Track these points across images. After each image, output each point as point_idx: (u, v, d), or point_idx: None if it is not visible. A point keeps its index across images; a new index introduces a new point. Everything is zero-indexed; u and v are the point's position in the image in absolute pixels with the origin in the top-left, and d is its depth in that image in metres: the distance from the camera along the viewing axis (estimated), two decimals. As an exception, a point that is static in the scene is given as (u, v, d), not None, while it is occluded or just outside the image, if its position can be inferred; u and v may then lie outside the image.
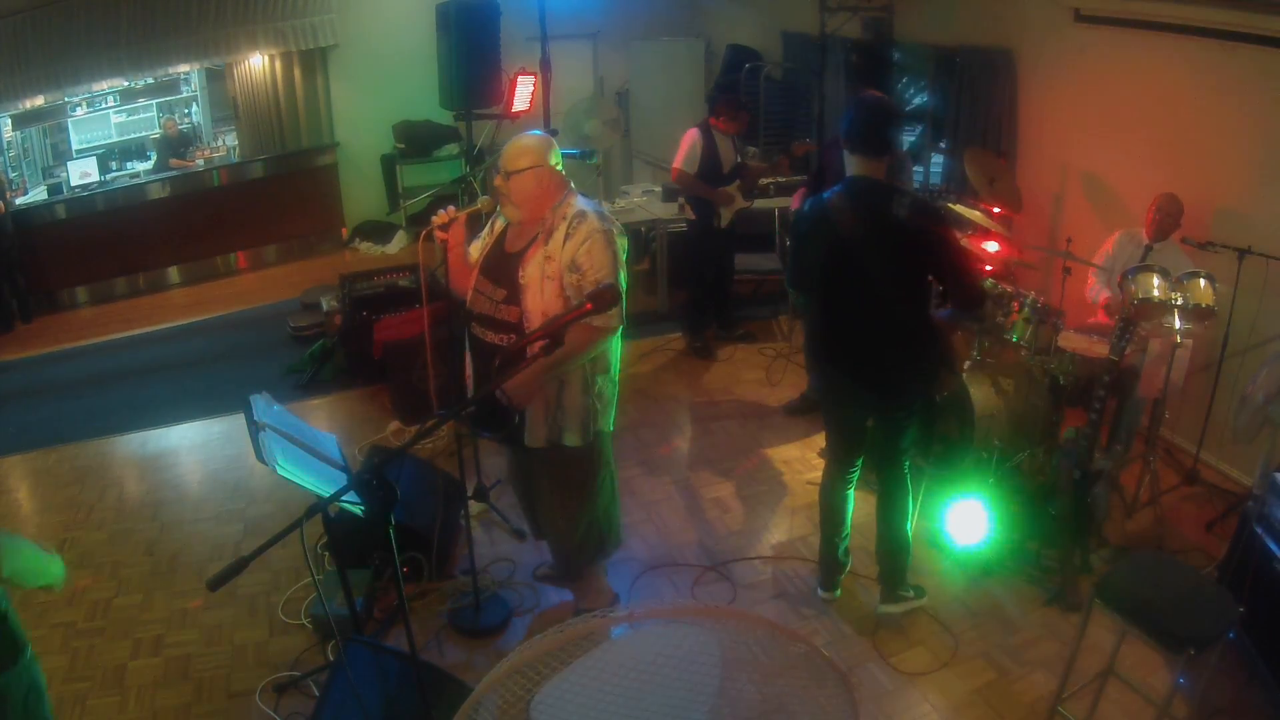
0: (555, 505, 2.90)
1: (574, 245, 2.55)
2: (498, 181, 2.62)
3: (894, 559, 3.13)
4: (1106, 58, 4.61)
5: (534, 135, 2.67)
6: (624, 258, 2.62)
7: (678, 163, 5.23)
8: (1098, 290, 4.23)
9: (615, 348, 2.78)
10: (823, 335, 3.05)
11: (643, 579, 3.43)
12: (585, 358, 2.64)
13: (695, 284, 5.59)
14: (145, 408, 5.10)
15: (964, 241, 4.06)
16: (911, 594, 3.18)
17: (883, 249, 2.73)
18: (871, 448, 3.12)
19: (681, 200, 6.18)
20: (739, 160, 5.34)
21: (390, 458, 2.27)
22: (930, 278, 2.84)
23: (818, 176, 4.26)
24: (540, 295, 2.57)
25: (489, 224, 2.85)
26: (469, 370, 2.85)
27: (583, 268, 2.54)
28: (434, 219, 2.67)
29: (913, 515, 3.17)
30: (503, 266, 2.67)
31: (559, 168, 2.66)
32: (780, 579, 3.46)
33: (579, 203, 2.66)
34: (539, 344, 2.13)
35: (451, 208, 2.70)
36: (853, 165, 2.81)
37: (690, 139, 5.20)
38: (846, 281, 2.83)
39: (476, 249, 2.84)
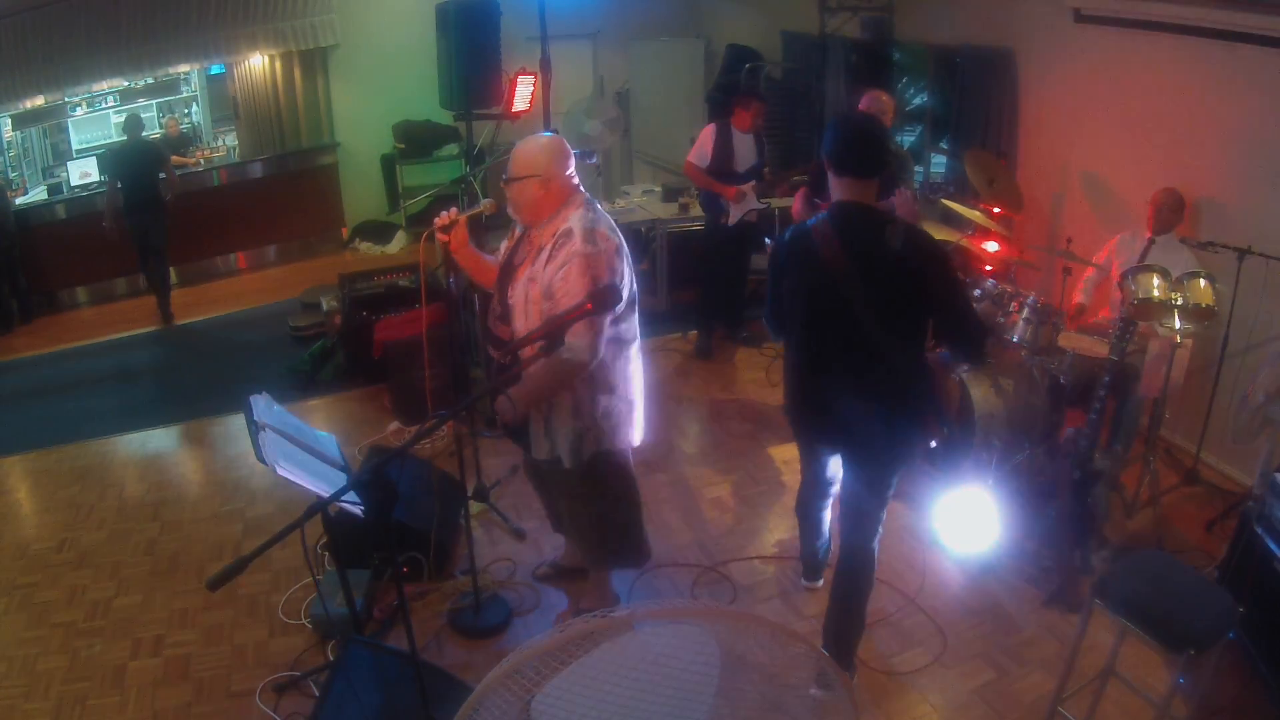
0: (569, 511, 2.94)
1: (553, 269, 2.43)
2: (503, 183, 2.56)
3: (843, 640, 2.80)
4: (1106, 58, 4.61)
5: (540, 141, 2.57)
6: (619, 270, 2.47)
7: (689, 155, 5.27)
8: (1086, 291, 4.26)
9: (633, 360, 2.67)
10: (801, 378, 2.69)
11: (643, 579, 3.43)
12: (553, 391, 2.53)
13: (705, 282, 5.60)
14: (145, 408, 5.10)
15: (965, 278, 3.83)
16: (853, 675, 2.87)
17: (873, 284, 2.40)
18: (842, 506, 2.86)
19: (682, 199, 6.19)
20: (760, 163, 5.28)
21: (390, 458, 2.26)
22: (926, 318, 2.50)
23: (819, 177, 4.25)
24: (525, 318, 2.50)
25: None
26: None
27: (556, 295, 2.40)
28: (436, 220, 2.61)
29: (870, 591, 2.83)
30: (506, 278, 2.63)
31: (567, 172, 2.53)
32: (780, 579, 3.46)
33: (575, 217, 2.49)
34: (535, 346, 2.12)
35: (454, 209, 2.63)
36: (839, 189, 2.49)
37: (706, 133, 5.24)
38: (830, 320, 2.50)
39: (505, 245, 2.76)
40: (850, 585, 2.77)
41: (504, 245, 2.77)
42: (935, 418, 2.63)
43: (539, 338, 2.13)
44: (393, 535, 2.03)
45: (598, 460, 2.70)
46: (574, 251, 2.41)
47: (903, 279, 2.39)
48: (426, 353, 3.51)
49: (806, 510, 3.17)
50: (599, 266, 2.41)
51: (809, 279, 2.52)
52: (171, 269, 7.50)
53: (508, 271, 2.64)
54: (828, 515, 3.16)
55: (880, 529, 2.74)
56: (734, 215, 5.28)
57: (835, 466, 2.92)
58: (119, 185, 6.20)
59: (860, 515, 2.71)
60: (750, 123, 5.19)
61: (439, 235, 2.63)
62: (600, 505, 2.83)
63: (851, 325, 2.43)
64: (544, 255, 2.48)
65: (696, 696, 1.37)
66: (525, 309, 2.50)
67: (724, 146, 5.17)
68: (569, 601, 3.33)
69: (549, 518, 3.31)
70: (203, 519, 3.95)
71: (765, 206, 5.40)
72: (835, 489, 3.00)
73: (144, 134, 6.47)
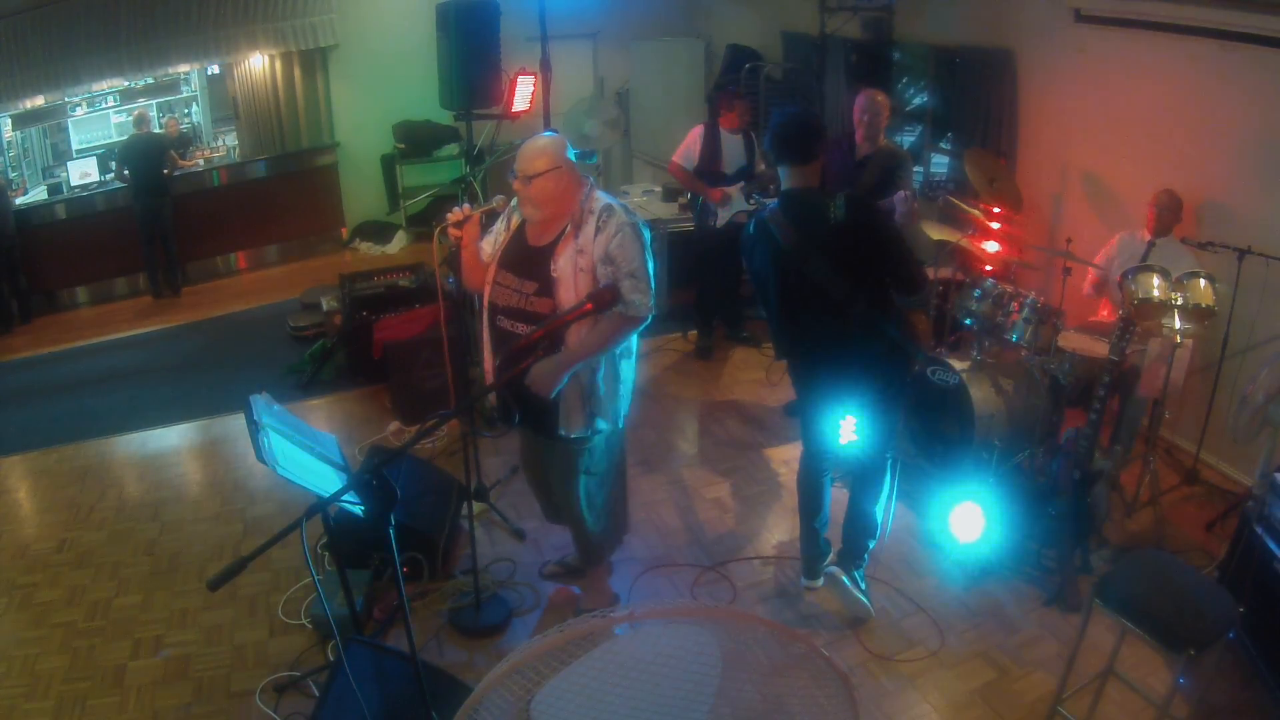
0: (581, 495, 2.92)
1: (606, 238, 2.60)
2: (516, 186, 2.63)
3: (858, 537, 3.18)
4: (1106, 58, 4.61)
5: (547, 136, 2.70)
6: (649, 246, 2.70)
7: (675, 155, 5.24)
8: (1098, 288, 4.26)
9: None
10: (790, 342, 3.08)
11: (642, 579, 3.43)
12: (615, 346, 2.69)
13: (700, 284, 5.59)
14: (145, 408, 5.10)
15: (900, 228, 3.99)
16: (864, 586, 3.19)
17: (827, 255, 2.78)
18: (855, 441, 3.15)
19: (681, 200, 6.18)
20: (749, 164, 5.23)
21: (390, 458, 2.28)
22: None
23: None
24: (573, 288, 2.62)
25: (504, 219, 2.87)
26: (488, 364, 2.86)
27: (616, 260, 2.60)
28: (449, 216, 2.69)
29: (884, 503, 3.19)
30: (530, 260, 2.69)
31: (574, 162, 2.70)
32: (780, 579, 3.46)
33: (600, 195, 2.70)
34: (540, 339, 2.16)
35: (467, 205, 2.73)
36: (786, 178, 2.88)
37: (692, 134, 5.20)
38: (801, 291, 2.87)
39: (489, 244, 2.86)
40: (865, 483, 3.13)
41: (495, 237, 2.84)
42: (912, 346, 3.11)
43: (542, 335, 2.19)
44: (393, 535, 2.03)
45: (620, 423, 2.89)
46: (623, 222, 2.63)
47: (849, 242, 2.78)
48: (445, 348, 3.49)
49: (807, 484, 3.26)
50: (643, 234, 2.67)
51: (775, 262, 2.89)
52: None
53: (528, 252, 2.70)
54: (828, 493, 3.27)
55: (890, 453, 3.11)
56: (721, 217, 5.24)
57: (836, 431, 3.11)
58: (127, 172, 6.74)
59: (870, 438, 3.04)
60: (737, 123, 5.14)
61: (451, 231, 2.71)
62: (615, 472, 2.98)
63: (820, 293, 2.81)
64: (589, 229, 2.62)
65: (696, 696, 1.37)
66: (574, 279, 2.62)
67: (711, 148, 5.12)
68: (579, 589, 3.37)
69: (546, 511, 3.30)
70: (203, 519, 3.95)
71: (754, 207, 5.33)
72: (830, 465, 3.25)
73: (152, 129, 7.13)
